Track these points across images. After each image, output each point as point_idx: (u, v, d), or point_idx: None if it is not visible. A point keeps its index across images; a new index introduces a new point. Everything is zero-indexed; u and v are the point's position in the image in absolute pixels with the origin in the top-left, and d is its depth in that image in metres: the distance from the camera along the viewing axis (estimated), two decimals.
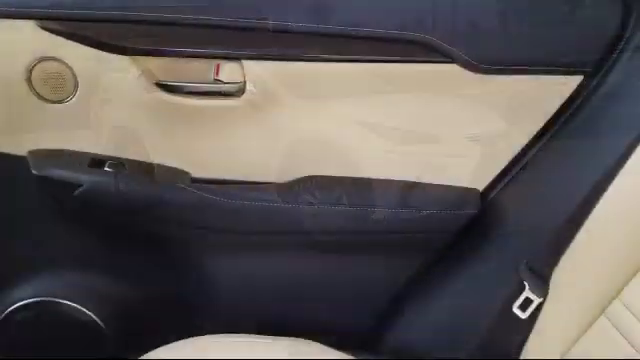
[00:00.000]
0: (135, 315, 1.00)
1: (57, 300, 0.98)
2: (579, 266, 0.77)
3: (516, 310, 0.85)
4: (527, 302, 0.84)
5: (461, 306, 0.96)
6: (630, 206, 0.74)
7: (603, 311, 0.73)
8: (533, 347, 0.81)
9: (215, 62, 0.90)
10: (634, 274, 0.72)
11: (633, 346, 0.69)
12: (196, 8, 0.86)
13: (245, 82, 0.90)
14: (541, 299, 0.82)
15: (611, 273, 0.73)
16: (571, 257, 0.78)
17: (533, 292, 0.83)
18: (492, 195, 0.98)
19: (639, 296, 0.70)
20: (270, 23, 0.87)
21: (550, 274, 0.81)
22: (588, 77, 0.92)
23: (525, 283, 0.85)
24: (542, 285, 0.82)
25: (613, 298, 0.73)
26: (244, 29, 0.87)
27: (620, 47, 0.91)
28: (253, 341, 0.87)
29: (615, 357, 0.70)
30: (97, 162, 0.91)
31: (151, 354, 0.83)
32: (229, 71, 0.90)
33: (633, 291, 0.71)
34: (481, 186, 0.98)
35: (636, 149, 0.76)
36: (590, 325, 0.74)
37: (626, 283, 0.72)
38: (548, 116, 0.95)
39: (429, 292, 0.98)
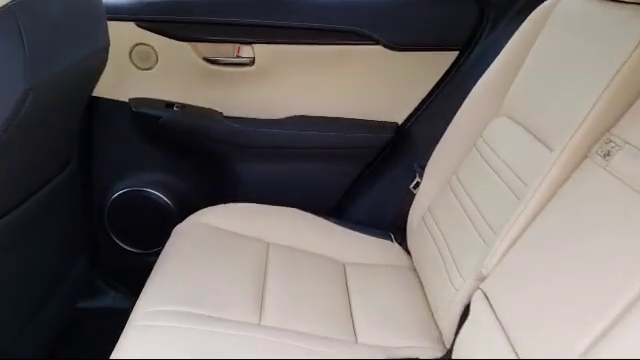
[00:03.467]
0: (191, 200, 1.63)
1: (144, 189, 1.62)
2: (437, 156, 1.38)
3: (412, 189, 1.47)
4: (417, 184, 1.45)
5: (386, 190, 1.58)
6: (466, 120, 1.34)
7: (447, 182, 1.34)
8: (414, 207, 1.42)
9: (237, 45, 1.53)
10: (465, 157, 1.31)
11: (456, 197, 1.27)
12: (227, 13, 1.48)
13: (254, 57, 1.52)
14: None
15: (451, 158, 1.33)
16: (435, 151, 1.39)
17: (420, 177, 1.44)
18: (406, 126, 1.59)
19: (465, 171, 1.30)
20: (269, 22, 1.49)
21: (426, 164, 1.42)
22: (461, 52, 1.53)
23: (417, 174, 1.46)
24: (422, 172, 1.43)
25: (453, 173, 1.33)
26: (254, 26, 1.50)
27: (480, 31, 1.51)
28: (268, 207, 1.49)
29: (449, 209, 1.29)
30: (170, 104, 1.55)
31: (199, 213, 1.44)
32: (245, 50, 1.53)
33: (462, 168, 1.31)
34: (400, 120, 1.59)
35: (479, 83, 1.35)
36: (441, 191, 1.35)
37: (459, 164, 1.32)
38: (439, 75, 1.55)
39: (366, 184, 1.61)
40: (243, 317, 1.07)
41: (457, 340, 0.98)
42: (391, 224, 1.52)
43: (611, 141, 0.87)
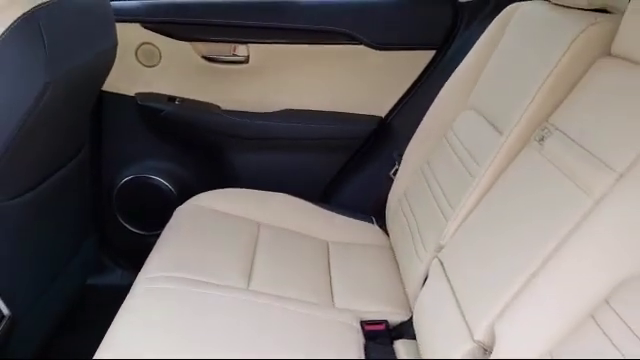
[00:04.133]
0: (191, 186, 1.77)
1: (149, 176, 1.77)
2: (412, 146, 1.52)
3: (391, 175, 1.61)
4: (395, 171, 1.60)
5: (369, 178, 1.72)
6: (438, 113, 1.48)
7: (421, 169, 1.48)
8: (392, 191, 1.57)
9: (233, 45, 1.68)
10: (436, 146, 1.45)
11: (426, 181, 1.41)
12: (224, 16, 1.63)
13: (249, 55, 1.67)
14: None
15: (424, 148, 1.48)
16: (411, 142, 1.54)
17: (398, 164, 1.59)
18: (388, 119, 1.73)
19: (435, 158, 1.43)
20: (262, 23, 1.64)
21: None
22: (438, 51, 1.67)
23: (396, 162, 1.61)
24: (401, 159, 1.57)
25: (426, 161, 1.47)
26: (248, 27, 1.65)
27: (454, 33, 1.65)
28: (261, 192, 1.63)
29: (420, 192, 1.43)
30: (172, 98, 1.70)
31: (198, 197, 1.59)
32: (240, 50, 1.68)
33: (433, 156, 1.44)
34: (382, 114, 1.73)
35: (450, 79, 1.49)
36: (414, 177, 1.49)
37: (431, 153, 1.46)
38: (418, 72, 1.70)
39: (351, 172, 1.75)
40: (233, 283, 1.22)
41: (416, 303, 1.12)
42: (373, 208, 1.66)
43: (546, 128, 1.01)
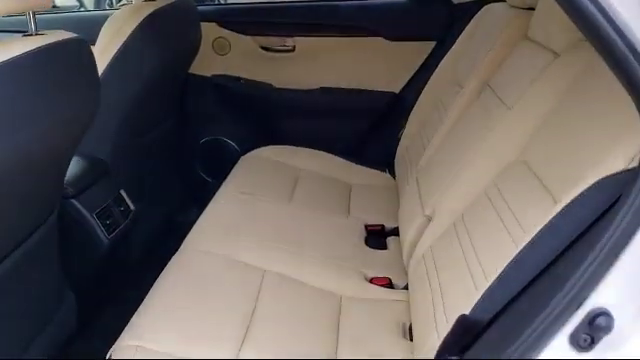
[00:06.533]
0: (251, 144, 2.34)
1: (220, 137, 2.36)
2: (413, 115, 2.04)
3: (399, 136, 2.13)
4: (402, 133, 2.12)
5: (384, 138, 2.25)
6: (432, 89, 2.00)
7: (418, 131, 2.00)
8: (399, 149, 2.09)
9: (283, 38, 2.25)
10: (430, 113, 1.96)
11: (420, 138, 1.94)
12: (277, 16, 2.21)
13: (295, 46, 2.24)
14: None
15: (421, 116, 1.99)
16: (413, 111, 2.05)
17: (404, 128, 2.11)
18: (401, 94, 2.25)
19: (428, 123, 1.95)
20: (305, 21, 2.20)
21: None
22: (438, 42, 2.18)
23: (402, 126, 2.13)
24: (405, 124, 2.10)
25: (423, 124, 1.99)
26: (295, 24, 2.21)
27: (450, 28, 2.16)
28: (302, 149, 2.18)
29: (415, 144, 1.95)
30: (238, 79, 2.28)
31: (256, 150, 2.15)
32: (288, 41, 2.25)
33: (427, 122, 1.96)
34: (396, 90, 2.25)
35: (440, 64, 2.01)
36: (414, 136, 2.01)
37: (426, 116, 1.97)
38: (423, 58, 2.21)
39: (371, 135, 2.28)
40: (279, 199, 1.78)
41: (399, 206, 1.65)
42: (387, 161, 2.18)
43: (484, 87, 1.52)
